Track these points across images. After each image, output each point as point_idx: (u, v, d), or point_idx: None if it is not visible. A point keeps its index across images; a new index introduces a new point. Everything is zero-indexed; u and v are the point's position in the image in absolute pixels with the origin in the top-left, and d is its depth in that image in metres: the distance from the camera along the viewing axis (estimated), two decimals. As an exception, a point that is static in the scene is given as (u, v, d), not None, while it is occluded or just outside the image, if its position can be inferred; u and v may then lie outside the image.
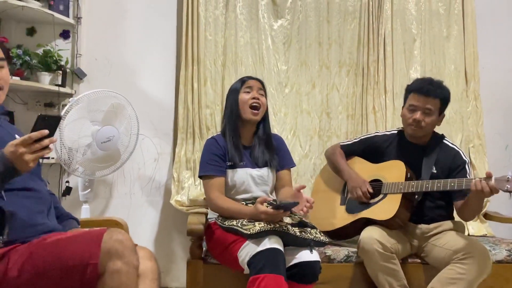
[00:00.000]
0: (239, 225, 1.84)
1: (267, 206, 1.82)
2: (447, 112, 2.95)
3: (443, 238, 2.08)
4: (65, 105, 2.69)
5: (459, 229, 2.18)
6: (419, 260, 2.17)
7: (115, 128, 2.37)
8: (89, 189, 2.48)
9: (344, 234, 2.24)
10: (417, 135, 2.16)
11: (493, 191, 1.82)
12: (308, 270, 1.80)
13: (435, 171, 2.15)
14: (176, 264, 2.79)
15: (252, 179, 2.04)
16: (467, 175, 2.12)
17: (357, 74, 2.92)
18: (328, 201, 2.34)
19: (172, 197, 2.69)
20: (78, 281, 1.34)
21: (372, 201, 2.16)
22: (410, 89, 2.16)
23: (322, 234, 1.91)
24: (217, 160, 2.00)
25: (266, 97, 2.12)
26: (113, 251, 1.36)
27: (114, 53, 2.79)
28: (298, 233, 1.82)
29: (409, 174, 2.12)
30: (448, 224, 2.16)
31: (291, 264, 1.80)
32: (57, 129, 1.40)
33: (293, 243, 1.82)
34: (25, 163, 1.28)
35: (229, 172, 2.03)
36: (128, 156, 2.53)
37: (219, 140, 2.06)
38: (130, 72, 2.81)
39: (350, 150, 2.34)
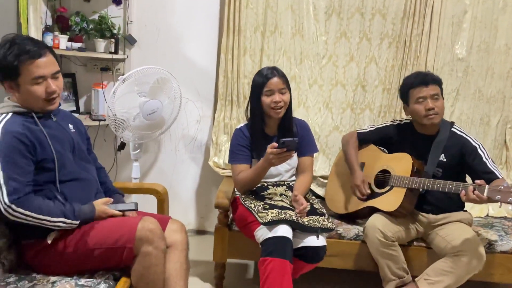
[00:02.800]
0: (255, 209, 2.11)
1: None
2: (488, 90, 2.92)
3: (446, 229, 2.24)
4: (119, 69, 2.99)
5: (466, 221, 2.30)
6: (424, 244, 2.35)
7: (160, 101, 2.63)
8: (139, 150, 2.83)
9: (355, 217, 2.47)
10: (436, 122, 2.23)
11: (481, 200, 1.91)
12: (313, 253, 2.07)
13: (444, 159, 2.25)
14: (213, 213, 3.17)
15: (274, 168, 2.24)
16: (484, 158, 2.19)
17: (398, 47, 2.88)
18: (342, 186, 2.53)
19: (210, 158, 3.00)
20: (118, 259, 1.73)
21: (380, 191, 2.32)
22: (409, 87, 2.27)
23: (329, 220, 2.14)
24: (243, 150, 2.25)
25: (289, 89, 2.24)
26: (144, 238, 1.71)
27: (162, 20, 2.95)
28: (306, 223, 2.06)
29: (415, 167, 2.23)
30: (455, 215, 2.29)
31: (298, 246, 2.08)
32: None
33: (302, 230, 2.07)
34: (102, 218, 1.81)
35: (254, 161, 2.26)
36: (172, 121, 2.81)
37: (245, 131, 2.28)
38: (176, 39, 2.98)
39: (366, 139, 2.48)
